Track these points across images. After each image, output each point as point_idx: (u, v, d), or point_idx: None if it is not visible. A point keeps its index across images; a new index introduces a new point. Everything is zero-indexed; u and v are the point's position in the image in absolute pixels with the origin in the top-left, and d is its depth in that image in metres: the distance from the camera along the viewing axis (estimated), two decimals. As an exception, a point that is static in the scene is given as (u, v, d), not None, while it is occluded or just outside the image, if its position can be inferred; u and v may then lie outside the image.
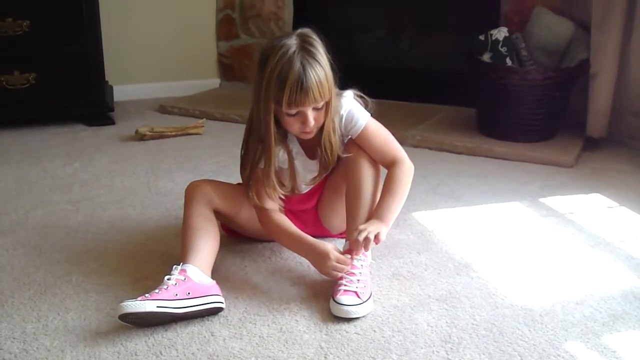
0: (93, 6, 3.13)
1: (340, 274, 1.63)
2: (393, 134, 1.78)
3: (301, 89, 1.56)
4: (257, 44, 3.79)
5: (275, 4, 3.70)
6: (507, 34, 2.80)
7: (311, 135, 1.69)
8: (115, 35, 3.49)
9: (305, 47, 1.59)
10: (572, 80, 2.77)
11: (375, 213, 1.70)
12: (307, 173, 1.80)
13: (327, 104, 1.64)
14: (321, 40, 1.63)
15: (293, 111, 1.61)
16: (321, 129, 1.68)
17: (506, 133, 2.80)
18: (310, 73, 1.56)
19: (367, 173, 1.73)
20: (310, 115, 1.62)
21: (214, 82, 3.95)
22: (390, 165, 1.76)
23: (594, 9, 2.68)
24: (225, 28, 3.86)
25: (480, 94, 2.90)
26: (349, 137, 1.75)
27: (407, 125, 2.99)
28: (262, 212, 1.76)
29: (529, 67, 2.79)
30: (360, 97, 1.76)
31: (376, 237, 1.63)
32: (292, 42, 1.59)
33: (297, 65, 1.56)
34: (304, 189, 1.85)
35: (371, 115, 1.75)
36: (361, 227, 1.65)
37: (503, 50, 2.78)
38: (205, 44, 3.88)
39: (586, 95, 2.76)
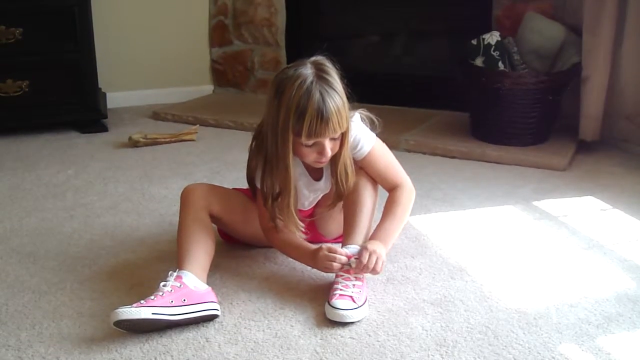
0: (86, 13, 3.12)
1: (335, 264, 1.62)
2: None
3: (321, 120, 1.54)
4: (250, 49, 3.80)
5: (268, 11, 3.71)
6: (499, 38, 2.81)
7: (324, 165, 1.69)
8: (108, 42, 3.49)
9: (322, 76, 1.56)
10: (564, 83, 2.78)
11: (376, 235, 1.70)
12: (311, 193, 1.81)
13: (343, 134, 1.62)
14: (334, 66, 1.61)
15: (311, 142, 1.59)
16: (334, 159, 1.66)
17: (499, 137, 2.80)
18: (330, 103, 1.54)
19: (366, 186, 1.74)
20: (328, 145, 1.60)
21: (207, 88, 3.95)
22: (392, 189, 1.77)
23: (585, 13, 2.69)
24: (218, 34, 3.86)
25: (473, 98, 2.91)
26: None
27: (401, 130, 3.00)
28: (269, 231, 1.76)
29: (522, 71, 2.79)
30: (368, 116, 1.74)
31: (374, 267, 1.61)
32: (308, 72, 1.56)
33: (317, 95, 1.53)
34: (307, 205, 1.85)
35: (377, 135, 1.74)
36: (369, 247, 1.63)
37: (495, 54, 2.79)
38: (198, 51, 3.88)
39: (579, 98, 2.78)
